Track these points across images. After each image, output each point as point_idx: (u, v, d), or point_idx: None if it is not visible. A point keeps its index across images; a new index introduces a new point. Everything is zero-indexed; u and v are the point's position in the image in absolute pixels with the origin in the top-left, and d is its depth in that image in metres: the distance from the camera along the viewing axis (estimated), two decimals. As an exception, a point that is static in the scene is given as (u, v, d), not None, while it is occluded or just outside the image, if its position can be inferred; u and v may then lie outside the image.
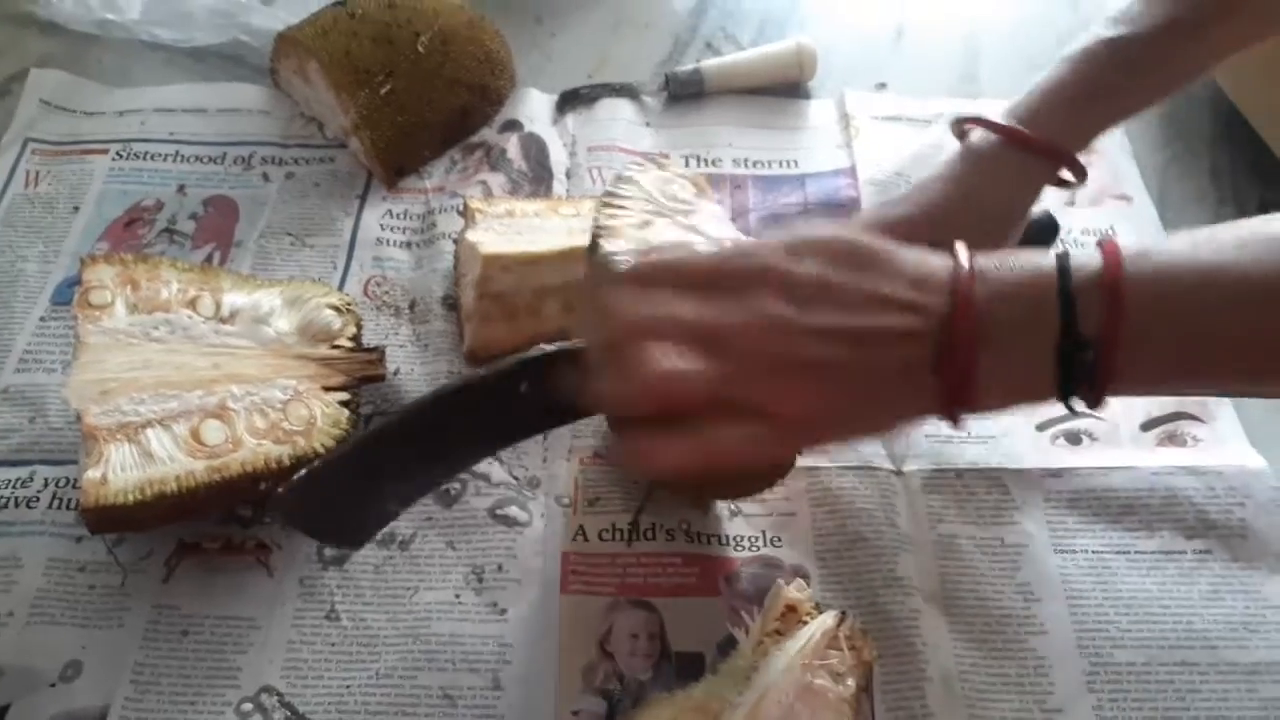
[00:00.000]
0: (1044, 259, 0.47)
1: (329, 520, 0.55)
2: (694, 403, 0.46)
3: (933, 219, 0.63)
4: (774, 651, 0.57)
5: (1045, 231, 0.77)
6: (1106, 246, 0.46)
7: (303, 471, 0.52)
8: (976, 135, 0.65)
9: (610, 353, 0.47)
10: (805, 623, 0.59)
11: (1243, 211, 0.83)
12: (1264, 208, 0.83)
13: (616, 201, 0.64)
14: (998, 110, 0.64)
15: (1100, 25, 0.65)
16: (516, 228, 0.74)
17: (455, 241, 0.79)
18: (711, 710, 0.56)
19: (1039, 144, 0.63)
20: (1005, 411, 0.49)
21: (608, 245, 0.60)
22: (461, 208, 0.81)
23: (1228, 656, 0.62)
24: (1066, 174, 0.65)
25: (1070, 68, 0.65)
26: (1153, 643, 0.62)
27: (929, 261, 0.47)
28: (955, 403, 0.47)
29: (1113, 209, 0.85)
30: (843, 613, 0.59)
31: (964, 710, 0.60)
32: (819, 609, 0.60)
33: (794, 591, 0.60)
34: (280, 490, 0.52)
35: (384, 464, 0.54)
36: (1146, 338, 0.45)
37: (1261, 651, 0.62)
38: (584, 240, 0.67)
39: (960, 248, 0.48)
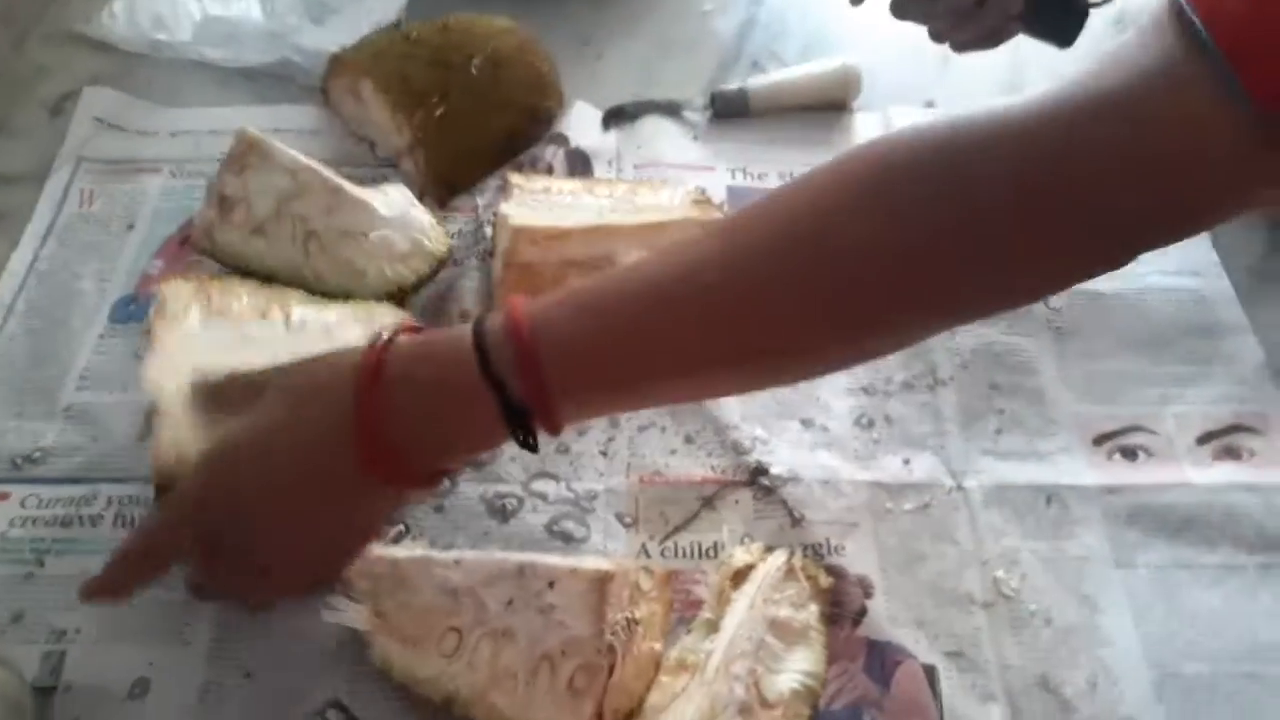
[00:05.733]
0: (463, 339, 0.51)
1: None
2: None
3: None
4: (735, 598, 0.61)
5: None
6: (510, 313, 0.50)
7: None
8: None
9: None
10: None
11: None
12: None
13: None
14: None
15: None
16: (550, 204, 0.78)
17: (495, 215, 0.81)
18: (690, 664, 0.59)
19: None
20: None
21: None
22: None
23: (1295, 670, 0.62)
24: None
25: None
26: (1220, 655, 0.63)
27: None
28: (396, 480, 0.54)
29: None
30: (791, 550, 0.64)
31: (1031, 726, 0.60)
32: (770, 551, 0.64)
33: (743, 554, 0.64)
34: None
35: None
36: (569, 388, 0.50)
37: (1329, 666, 0.62)
38: (613, 219, 0.75)
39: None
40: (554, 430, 0.51)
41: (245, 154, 0.74)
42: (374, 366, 0.51)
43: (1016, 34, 0.83)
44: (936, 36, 0.84)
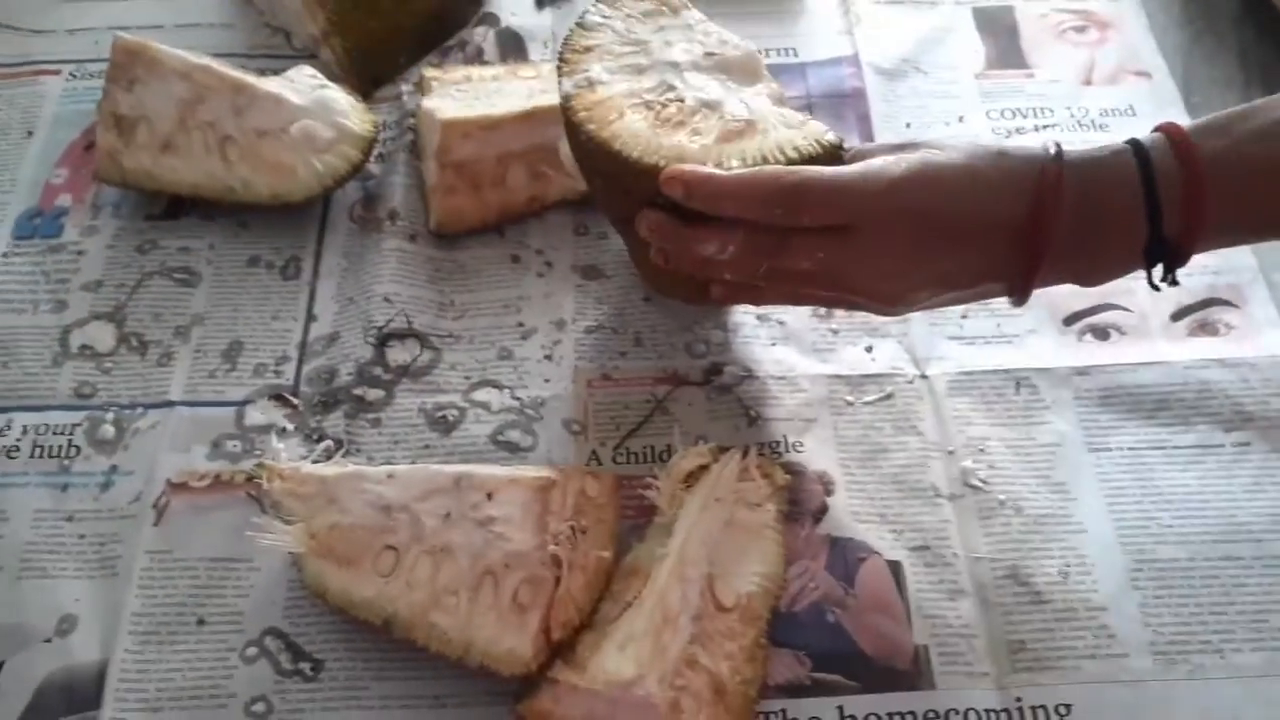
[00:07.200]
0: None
1: None
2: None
3: None
4: (688, 500, 0.58)
5: None
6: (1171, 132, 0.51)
7: None
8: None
9: None
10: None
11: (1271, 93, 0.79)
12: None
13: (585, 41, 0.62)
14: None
15: None
16: (475, 93, 0.73)
17: (413, 114, 0.76)
18: (643, 571, 0.56)
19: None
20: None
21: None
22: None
23: (1272, 549, 0.60)
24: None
25: None
26: (1195, 538, 0.60)
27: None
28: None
29: (1132, 87, 0.80)
30: (745, 449, 0.60)
31: (1001, 619, 0.58)
32: (724, 451, 0.61)
33: (696, 455, 0.60)
34: None
35: None
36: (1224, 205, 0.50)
37: (1308, 543, 0.60)
38: (547, 101, 0.68)
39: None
40: (1181, 263, 0.52)
41: (129, 65, 0.67)
42: (1056, 171, 0.51)
43: None
44: None
